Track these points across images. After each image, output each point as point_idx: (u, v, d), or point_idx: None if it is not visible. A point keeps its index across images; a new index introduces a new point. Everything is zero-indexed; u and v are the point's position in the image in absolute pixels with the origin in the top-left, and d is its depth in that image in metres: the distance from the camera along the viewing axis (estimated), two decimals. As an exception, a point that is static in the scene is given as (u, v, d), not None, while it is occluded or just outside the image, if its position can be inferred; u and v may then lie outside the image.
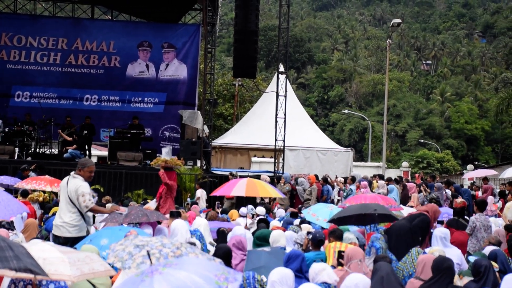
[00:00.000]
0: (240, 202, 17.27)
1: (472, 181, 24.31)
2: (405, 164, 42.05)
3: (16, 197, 12.41)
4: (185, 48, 25.29)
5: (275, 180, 20.36)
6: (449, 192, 19.66)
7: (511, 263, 7.92)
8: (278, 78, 23.89)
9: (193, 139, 21.04)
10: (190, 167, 20.19)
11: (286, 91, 23.72)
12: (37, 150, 21.19)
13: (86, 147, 21.92)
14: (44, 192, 14.62)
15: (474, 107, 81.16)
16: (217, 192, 13.70)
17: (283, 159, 23.72)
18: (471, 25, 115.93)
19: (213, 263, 4.39)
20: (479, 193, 21.06)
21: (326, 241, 8.25)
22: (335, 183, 21.06)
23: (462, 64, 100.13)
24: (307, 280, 6.22)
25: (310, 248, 8.22)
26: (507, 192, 17.82)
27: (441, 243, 8.38)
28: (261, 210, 13.34)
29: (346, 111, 71.22)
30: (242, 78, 36.45)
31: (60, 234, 8.38)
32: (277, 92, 23.32)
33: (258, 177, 17.88)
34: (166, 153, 20.64)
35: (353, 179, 20.06)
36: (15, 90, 24.51)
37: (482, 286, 6.43)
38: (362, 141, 76.94)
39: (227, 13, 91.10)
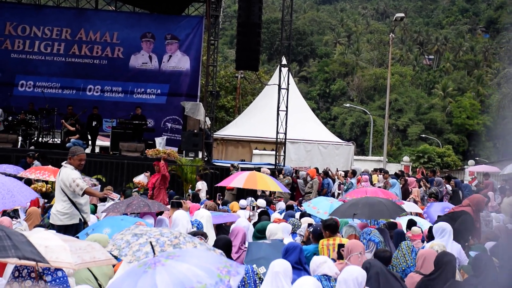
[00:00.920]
0: (241, 194, 17.36)
1: (477, 181, 24.34)
2: (406, 158, 42.13)
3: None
4: (188, 40, 25.31)
5: (276, 172, 20.42)
6: (449, 187, 19.71)
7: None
8: (280, 71, 23.94)
9: (195, 131, 21.08)
10: (192, 158, 20.25)
11: (288, 84, 23.77)
12: (40, 139, 21.26)
13: (90, 137, 22.00)
14: (47, 182, 14.71)
15: (476, 103, 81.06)
16: (219, 183, 13.88)
17: (284, 152, 23.79)
18: (474, 20, 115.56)
19: (216, 255, 4.39)
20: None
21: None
22: (336, 177, 21.12)
23: (464, 59, 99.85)
24: (307, 272, 6.24)
25: (311, 240, 8.28)
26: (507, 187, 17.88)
27: (441, 237, 8.41)
28: (261, 202, 13.41)
29: (347, 105, 71.18)
30: (244, 71, 36.48)
31: (53, 222, 8.62)
32: (279, 85, 23.37)
33: (258, 169, 17.98)
34: (159, 144, 20.76)
35: (353, 173, 20.10)
36: (19, 80, 24.55)
37: (482, 281, 6.46)
38: (363, 135, 76.96)
39: (230, 5, 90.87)
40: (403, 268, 7.60)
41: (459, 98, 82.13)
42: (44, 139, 21.47)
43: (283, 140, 23.44)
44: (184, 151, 21.00)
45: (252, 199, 13.54)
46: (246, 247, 7.87)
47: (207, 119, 22.89)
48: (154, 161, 16.42)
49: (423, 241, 9.31)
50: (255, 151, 28.88)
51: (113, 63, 25.08)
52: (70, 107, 21.76)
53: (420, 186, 20.07)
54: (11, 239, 3.68)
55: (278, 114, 23.11)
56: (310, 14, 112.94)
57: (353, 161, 28.79)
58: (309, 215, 10.90)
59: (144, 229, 5.54)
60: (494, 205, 17.64)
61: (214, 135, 24.69)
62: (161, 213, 9.98)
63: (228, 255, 6.96)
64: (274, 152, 23.93)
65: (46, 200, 13.23)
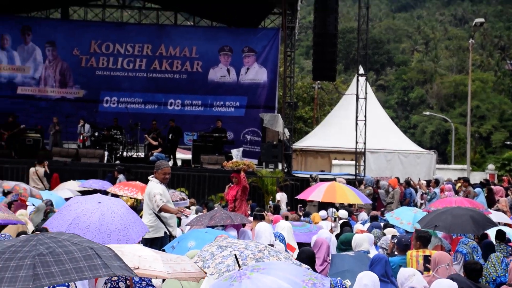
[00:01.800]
0: (322, 205, 17.26)
1: None
2: (491, 166, 40.74)
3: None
4: (265, 52, 25.51)
5: (356, 183, 20.22)
6: (538, 195, 18.95)
7: None
8: (358, 80, 23.74)
9: (274, 142, 21.18)
10: (272, 170, 20.34)
11: (366, 93, 23.53)
12: (125, 153, 21.88)
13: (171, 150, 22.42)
14: (136, 200, 14.87)
15: None
16: (298, 196, 13.85)
17: (364, 162, 23.53)
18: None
19: (300, 268, 4.40)
20: None
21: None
22: (418, 186, 20.71)
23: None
24: (393, 284, 6.15)
25: (396, 252, 8.15)
26: None
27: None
28: (343, 213, 13.30)
29: (427, 113, 69.71)
30: (321, 81, 36.36)
31: None
32: (357, 95, 23.18)
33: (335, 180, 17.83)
34: (236, 156, 20.92)
35: (436, 182, 19.62)
36: (104, 96, 25.40)
37: None
38: (445, 143, 75.12)
39: (305, 16, 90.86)
40: (494, 278, 7.34)
41: (545, 103, 78.96)
42: (129, 153, 22.09)
43: (363, 150, 23.19)
44: (264, 163, 21.12)
45: (334, 210, 13.44)
46: (330, 259, 7.83)
47: (286, 130, 22.95)
48: (233, 172, 16.53)
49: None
50: (334, 162, 28.71)
51: (192, 77, 25.57)
52: (154, 121, 22.18)
53: (507, 195, 19.40)
54: (100, 257, 3.77)
55: (356, 123, 22.90)
56: (386, 22, 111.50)
57: (435, 170, 28.13)
58: (392, 226, 10.72)
59: (230, 241, 5.60)
60: None
61: (293, 146, 24.73)
62: (243, 225, 10.04)
63: (312, 268, 6.94)
64: (353, 162, 23.71)
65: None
